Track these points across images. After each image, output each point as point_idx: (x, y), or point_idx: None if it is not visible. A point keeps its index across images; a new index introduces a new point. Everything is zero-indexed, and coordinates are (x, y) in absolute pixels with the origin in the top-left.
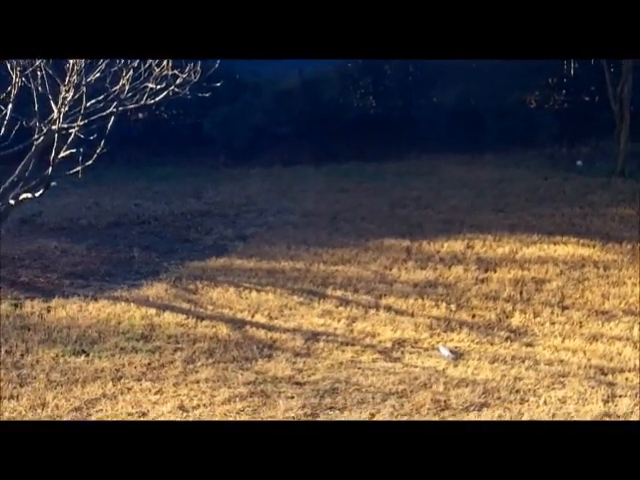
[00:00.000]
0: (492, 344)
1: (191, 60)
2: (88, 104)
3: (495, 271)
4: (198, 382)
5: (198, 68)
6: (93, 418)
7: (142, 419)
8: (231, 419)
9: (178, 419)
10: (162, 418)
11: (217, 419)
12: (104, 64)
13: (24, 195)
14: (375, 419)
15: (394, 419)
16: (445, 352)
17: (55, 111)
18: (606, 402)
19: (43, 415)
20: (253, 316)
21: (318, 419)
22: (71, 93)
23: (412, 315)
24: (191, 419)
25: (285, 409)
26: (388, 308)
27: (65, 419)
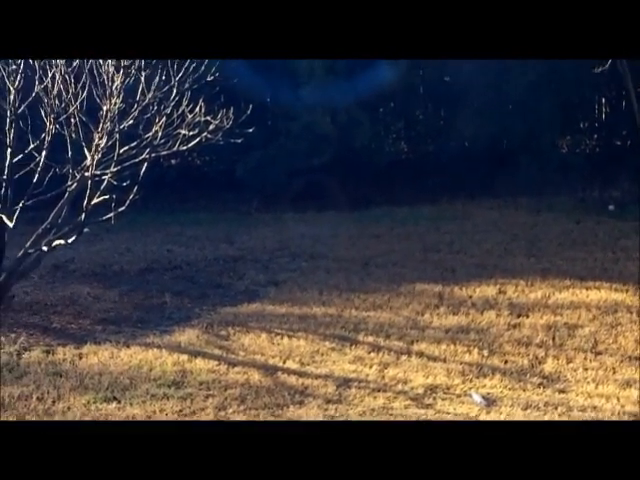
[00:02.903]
0: (525, 390)
1: (223, 105)
2: (121, 151)
3: (527, 316)
4: None
5: (230, 114)
6: None
7: None
8: None
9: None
10: None
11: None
12: (137, 111)
13: (57, 241)
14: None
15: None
16: (477, 398)
17: (88, 158)
18: None
19: None
20: (285, 362)
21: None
22: (104, 140)
23: (444, 361)
24: None
25: None
26: (420, 354)
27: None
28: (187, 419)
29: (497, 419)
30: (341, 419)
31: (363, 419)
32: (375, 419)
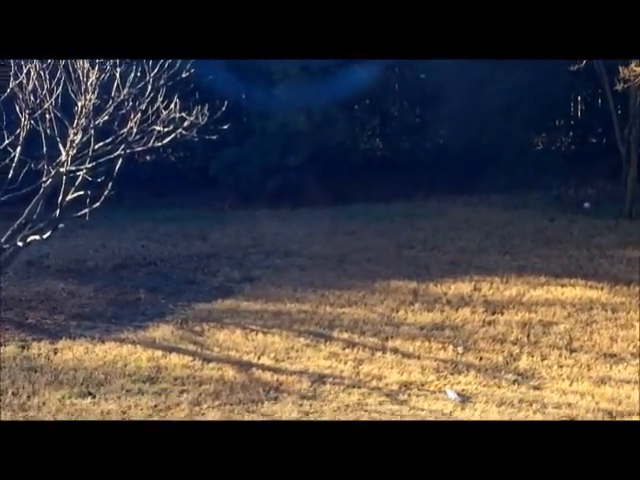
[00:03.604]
0: (499, 387)
1: (198, 102)
2: (96, 147)
3: (502, 313)
4: None
5: (205, 111)
6: None
7: None
8: None
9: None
10: None
11: None
12: (112, 107)
13: (32, 237)
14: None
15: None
16: (452, 395)
17: (63, 153)
18: None
19: None
20: (259, 358)
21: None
22: (79, 136)
23: (419, 358)
24: None
25: None
26: (395, 351)
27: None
28: (162, 415)
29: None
30: (315, 415)
31: (338, 415)
32: (350, 415)
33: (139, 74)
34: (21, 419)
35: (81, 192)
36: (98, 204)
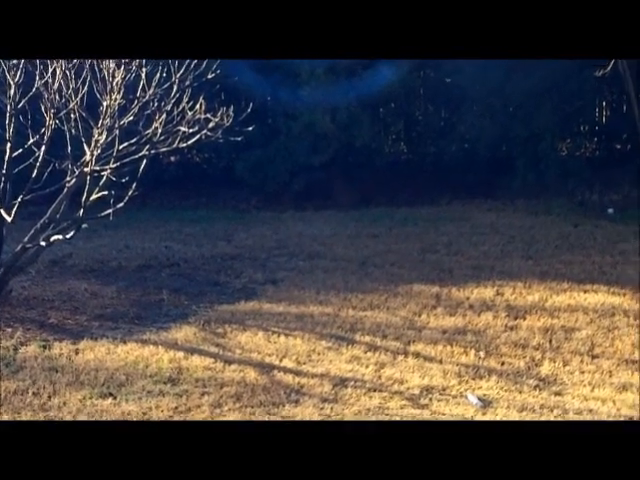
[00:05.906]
0: (521, 392)
1: (223, 103)
2: (121, 147)
3: (525, 319)
4: None
5: (230, 112)
6: None
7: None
8: None
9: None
10: None
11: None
12: (137, 107)
13: (55, 236)
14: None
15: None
16: (473, 400)
17: (88, 153)
18: None
19: None
20: (281, 361)
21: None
22: (104, 136)
23: (440, 362)
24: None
25: None
26: (416, 354)
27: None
28: (183, 417)
29: (492, 419)
30: (336, 418)
31: (358, 419)
32: (371, 419)
33: (165, 74)
34: (42, 420)
35: (105, 192)
36: (122, 204)
